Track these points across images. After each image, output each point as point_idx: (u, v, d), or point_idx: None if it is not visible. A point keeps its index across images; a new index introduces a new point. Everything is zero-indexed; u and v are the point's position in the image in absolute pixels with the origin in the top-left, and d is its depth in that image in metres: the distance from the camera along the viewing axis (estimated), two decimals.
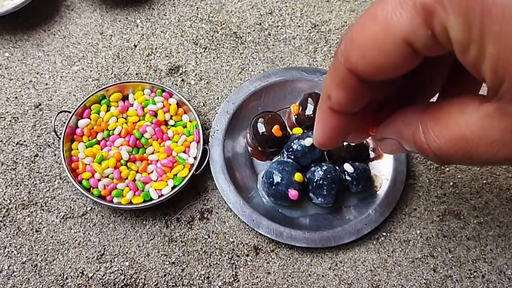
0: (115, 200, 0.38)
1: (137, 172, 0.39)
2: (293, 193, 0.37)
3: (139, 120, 0.42)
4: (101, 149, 0.40)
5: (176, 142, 0.41)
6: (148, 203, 0.38)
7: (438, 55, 0.17)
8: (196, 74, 0.47)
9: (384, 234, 0.40)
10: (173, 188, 0.39)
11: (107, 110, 0.42)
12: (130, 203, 0.38)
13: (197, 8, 0.51)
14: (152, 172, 0.40)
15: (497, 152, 0.17)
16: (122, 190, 0.38)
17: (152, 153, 0.41)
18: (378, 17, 0.16)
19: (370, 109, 0.22)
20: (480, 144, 0.17)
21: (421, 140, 0.19)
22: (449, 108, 0.18)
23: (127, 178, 0.39)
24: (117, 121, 0.41)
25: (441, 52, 0.17)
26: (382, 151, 0.23)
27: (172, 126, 0.42)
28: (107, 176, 0.38)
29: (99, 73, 0.46)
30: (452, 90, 0.21)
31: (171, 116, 0.42)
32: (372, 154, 0.43)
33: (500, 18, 0.14)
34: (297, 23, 0.51)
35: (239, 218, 0.39)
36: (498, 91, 0.16)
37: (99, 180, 0.38)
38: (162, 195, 0.38)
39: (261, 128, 0.40)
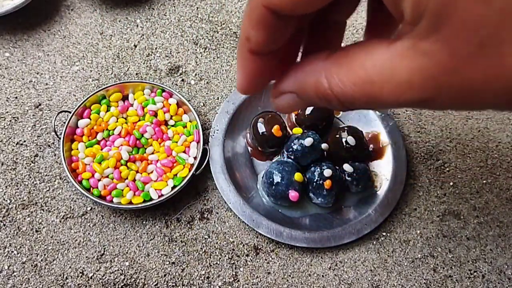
0: (115, 200, 0.38)
1: (137, 172, 0.39)
2: (293, 195, 0.37)
3: (139, 120, 0.42)
4: (101, 149, 0.40)
5: (176, 142, 0.41)
6: (148, 203, 0.38)
7: None
8: (196, 74, 0.47)
9: (384, 234, 0.40)
10: (173, 188, 0.39)
11: (107, 110, 0.42)
12: (130, 203, 0.38)
13: (197, 8, 0.51)
14: (152, 172, 0.40)
15: (402, 95, 0.16)
16: (122, 190, 0.38)
17: (152, 153, 0.41)
18: None
19: (290, 49, 0.21)
20: (386, 86, 0.16)
21: (324, 86, 0.18)
22: (355, 52, 0.17)
23: (127, 178, 0.39)
24: (117, 121, 0.41)
25: None
26: (276, 108, 0.22)
27: (172, 126, 0.42)
28: (107, 176, 0.38)
29: (99, 73, 0.46)
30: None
31: (171, 116, 0.42)
32: (372, 154, 0.43)
33: None
34: None
35: (239, 218, 0.39)
36: (414, 27, 0.15)
37: (99, 180, 0.38)
38: (162, 195, 0.38)
39: (261, 128, 0.40)
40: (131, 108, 0.42)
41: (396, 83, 0.16)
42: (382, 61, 0.16)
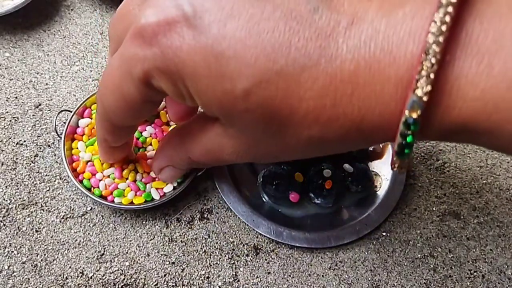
0: (116, 200, 0.38)
1: (137, 172, 0.39)
2: (293, 196, 0.37)
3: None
4: None
5: None
6: (150, 204, 0.38)
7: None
8: None
9: (384, 234, 0.40)
10: (175, 188, 0.39)
11: None
12: (131, 203, 0.38)
13: None
14: (152, 171, 0.39)
15: (236, 158, 0.24)
16: (124, 190, 0.38)
17: (153, 150, 0.41)
18: (115, 89, 0.23)
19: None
20: (223, 154, 0.24)
21: (189, 159, 0.28)
22: (195, 130, 0.26)
23: (127, 178, 0.39)
24: None
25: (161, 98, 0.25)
26: (163, 180, 0.34)
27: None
28: (109, 176, 0.38)
29: (99, 73, 0.46)
30: None
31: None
32: (372, 154, 0.43)
33: (190, 77, 0.19)
34: None
35: (239, 218, 0.39)
36: (218, 119, 0.22)
37: (100, 180, 0.38)
38: (164, 194, 0.38)
39: None
40: None
41: (228, 152, 0.24)
42: (214, 139, 0.24)
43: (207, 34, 0.18)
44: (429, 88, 0.16)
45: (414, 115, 0.16)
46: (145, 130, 0.40)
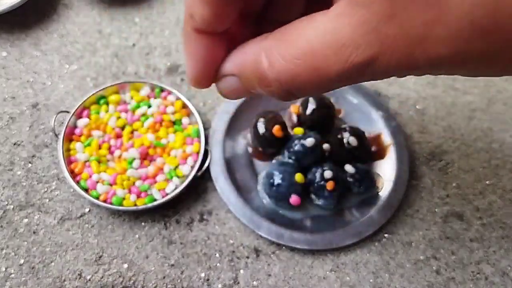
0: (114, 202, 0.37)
1: (139, 179, 0.38)
2: (294, 199, 0.37)
3: (139, 121, 0.41)
4: (99, 149, 0.40)
5: (176, 142, 0.40)
6: (149, 205, 0.37)
7: None
8: None
9: (386, 235, 0.40)
10: (174, 190, 0.38)
11: (107, 111, 0.41)
12: (135, 205, 0.37)
13: None
14: (157, 175, 0.39)
15: (348, 57, 0.14)
16: (123, 198, 0.37)
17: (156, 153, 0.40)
18: None
19: (243, 34, 0.19)
20: (329, 53, 0.14)
21: (263, 66, 0.16)
22: (296, 25, 0.15)
23: (123, 185, 0.38)
24: (116, 122, 0.41)
25: None
26: (220, 92, 0.20)
27: (174, 126, 0.42)
28: (109, 184, 0.38)
29: (97, 73, 0.46)
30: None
31: (174, 112, 0.42)
32: (374, 155, 0.42)
33: None
34: None
35: (239, 219, 0.38)
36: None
37: (97, 181, 0.38)
38: (166, 194, 0.38)
39: (262, 128, 0.40)
40: (134, 117, 0.41)
41: (339, 45, 0.14)
42: (324, 26, 0.14)
43: None
44: None
45: None
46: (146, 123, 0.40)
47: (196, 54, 0.19)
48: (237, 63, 0.18)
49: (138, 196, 0.38)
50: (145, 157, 0.40)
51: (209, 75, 0.19)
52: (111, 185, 0.38)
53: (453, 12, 0.13)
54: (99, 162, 0.39)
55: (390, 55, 0.14)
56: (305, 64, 0.15)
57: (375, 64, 0.14)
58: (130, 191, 0.38)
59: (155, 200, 0.38)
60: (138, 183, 0.38)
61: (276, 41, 0.16)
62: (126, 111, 0.42)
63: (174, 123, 0.42)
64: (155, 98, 0.42)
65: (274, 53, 0.16)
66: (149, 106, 0.42)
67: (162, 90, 0.42)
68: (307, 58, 0.15)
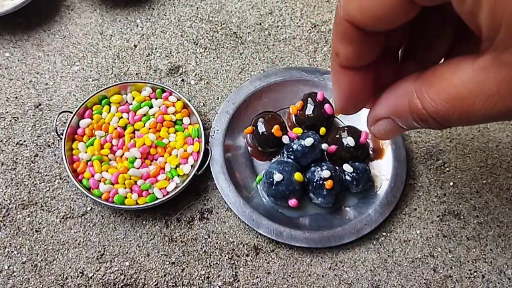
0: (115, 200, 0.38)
1: (140, 178, 0.39)
2: (292, 202, 0.37)
3: (141, 121, 0.42)
4: (101, 148, 0.40)
5: (177, 142, 0.41)
6: (150, 204, 0.38)
7: (434, 5, 0.17)
8: (196, 74, 0.47)
9: (384, 234, 0.40)
10: (175, 188, 0.39)
11: (109, 111, 0.42)
12: (136, 203, 0.38)
13: (197, 8, 0.51)
14: (158, 174, 0.39)
15: (494, 106, 0.16)
16: (125, 197, 0.38)
17: (159, 153, 0.41)
18: None
19: (386, 66, 0.22)
20: (476, 101, 0.17)
21: (417, 106, 0.18)
22: (442, 70, 0.18)
23: (124, 184, 0.38)
24: (118, 122, 0.41)
25: (437, 1, 0.17)
26: (376, 135, 0.22)
27: (175, 126, 0.42)
28: (105, 181, 0.38)
29: (99, 73, 0.46)
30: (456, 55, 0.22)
31: (175, 112, 0.42)
32: (372, 154, 0.43)
33: None
34: (297, 23, 0.51)
35: (239, 218, 0.39)
36: (494, 40, 0.15)
37: (99, 181, 0.38)
38: (167, 193, 0.38)
39: (261, 128, 0.40)
40: (136, 117, 0.42)
41: (486, 96, 0.16)
42: (469, 76, 0.16)
43: None
44: None
45: None
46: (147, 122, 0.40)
47: (342, 87, 0.21)
48: (390, 106, 0.20)
49: (140, 195, 0.38)
50: (147, 157, 0.40)
51: (356, 105, 0.22)
52: (113, 184, 0.38)
53: None
54: (101, 161, 0.39)
55: None
56: (453, 107, 0.17)
57: None
58: (131, 190, 0.38)
59: (156, 199, 0.38)
60: (139, 182, 0.38)
61: (425, 85, 0.18)
62: (127, 111, 0.42)
63: (175, 123, 0.42)
64: (156, 98, 0.43)
65: (425, 95, 0.18)
66: (151, 107, 0.42)
67: (163, 90, 0.43)
68: (455, 102, 0.17)
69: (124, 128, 0.42)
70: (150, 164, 0.40)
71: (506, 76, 0.16)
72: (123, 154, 0.40)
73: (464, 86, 0.17)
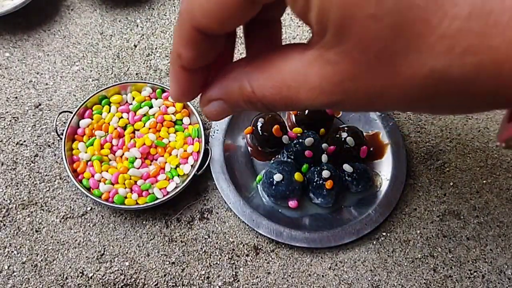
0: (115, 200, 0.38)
1: (140, 178, 0.39)
2: (292, 204, 0.37)
3: (141, 121, 0.42)
4: (101, 148, 0.40)
5: (177, 142, 0.41)
6: (150, 204, 0.38)
7: (271, 2, 0.18)
8: None
9: (384, 234, 0.40)
10: (175, 188, 0.39)
11: (109, 111, 0.42)
12: (136, 203, 0.38)
13: None
14: (158, 174, 0.39)
15: (316, 97, 0.18)
16: (125, 197, 0.38)
17: (159, 153, 0.41)
18: None
19: (222, 59, 0.23)
20: (301, 91, 0.18)
21: (248, 90, 0.20)
22: (273, 58, 0.19)
23: (124, 184, 0.38)
24: (118, 122, 0.41)
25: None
26: (207, 116, 0.23)
27: (174, 126, 0.42)
28: (105, 181, 0.38)
29: (99, 73, 0.46)
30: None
31: (175, 112, 0.42)
32: (372, 154, 0.43)
33: None
34: (297, 23, 0.51)
35: (239, 218, 0.39)
36: (321, 39, 0.16)
37: (99, 181, 0.38)
38: (167, 193, 0.38)
39: (261, 128, 0.40)
40: (136, 117, 0.42)
41: (309, 88, 0.17)
42: (296, 67, 0.18)
43: None
44: None
45: None
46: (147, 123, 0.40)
47: (180, 83, 0.22)
48: (222, 89, 0.22)
49: (140, 195, 0.38)
50: (147, 157, 0.40)
51: (190, 95, 0.23)
52: (113, 184, 0.38)
53: (405, 81, 0.16)
54: (101, 161, 0.39)
55: (353, 102, 0.17)
56: (280, 94, 0.19)
57: (340, 105, 0.18)
58: (131, 190, 0.38)
59: (156, 199, 0.38)
60: (139, 182, 0.38)
61: (257, 71, 0.20)
62: (127, 111, 0.42)
63: (175, 123, 0.42)
64: (156, 98, 0.43)
65: (255, 81, 0.19)
66: (151, 107, 0.42)
67: (163, 90, 0.43)
68: (282, 90, 0.18)
69: (124, 128, 0.42)
70: (150, 164, 0.40)
71: (327, 72, 0.17)
72: (123, 154, 0.40)
73: (291, 75, 0.18)
